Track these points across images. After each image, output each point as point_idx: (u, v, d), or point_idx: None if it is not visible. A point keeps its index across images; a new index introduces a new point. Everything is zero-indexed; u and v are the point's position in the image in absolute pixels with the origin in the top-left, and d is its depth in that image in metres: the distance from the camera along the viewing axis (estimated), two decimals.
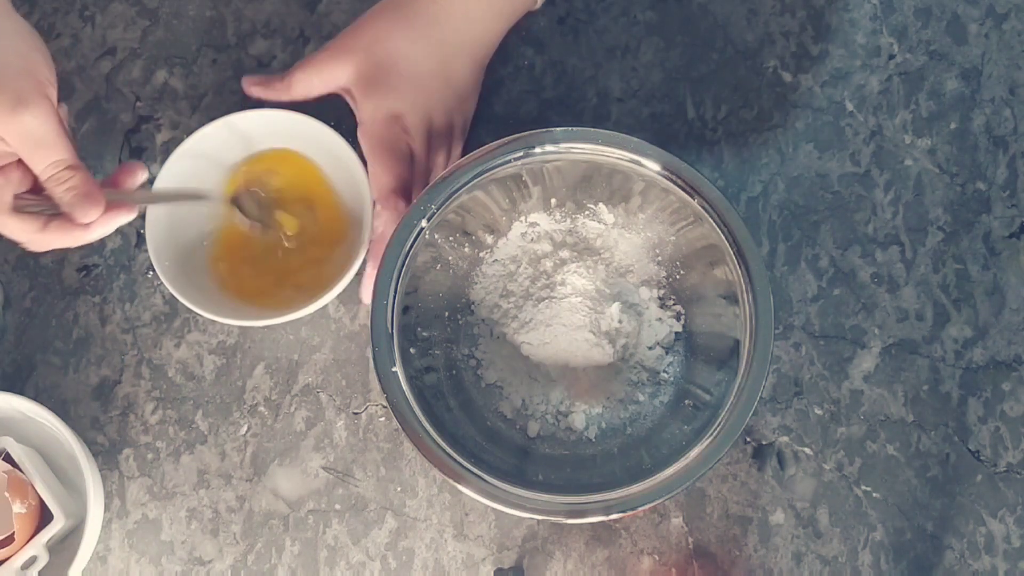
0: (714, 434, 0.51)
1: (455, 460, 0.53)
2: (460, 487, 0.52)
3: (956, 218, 0.63)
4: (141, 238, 0.65)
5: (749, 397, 0.51)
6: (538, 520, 0.59)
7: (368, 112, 0.58)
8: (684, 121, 0.65)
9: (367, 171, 0.58)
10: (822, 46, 0.66)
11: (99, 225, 0.51)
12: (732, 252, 0.53)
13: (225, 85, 0.67)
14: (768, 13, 0.66)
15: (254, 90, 0.62)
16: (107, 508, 0.61)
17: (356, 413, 0.62)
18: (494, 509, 0.59)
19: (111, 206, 0.51)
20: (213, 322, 0.63)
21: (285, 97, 0.61)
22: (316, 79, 0.60)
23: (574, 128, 0.56)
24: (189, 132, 0.66)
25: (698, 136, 0.65)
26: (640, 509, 0.52)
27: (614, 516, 0.53)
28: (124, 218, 0.52)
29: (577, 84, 0.66)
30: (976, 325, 0.61)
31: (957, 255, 0.62)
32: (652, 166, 0.55)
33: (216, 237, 0.62)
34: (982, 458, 0.60)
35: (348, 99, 0.60)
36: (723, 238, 0.54)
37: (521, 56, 0.66)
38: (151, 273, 0.64)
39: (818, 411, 0.60)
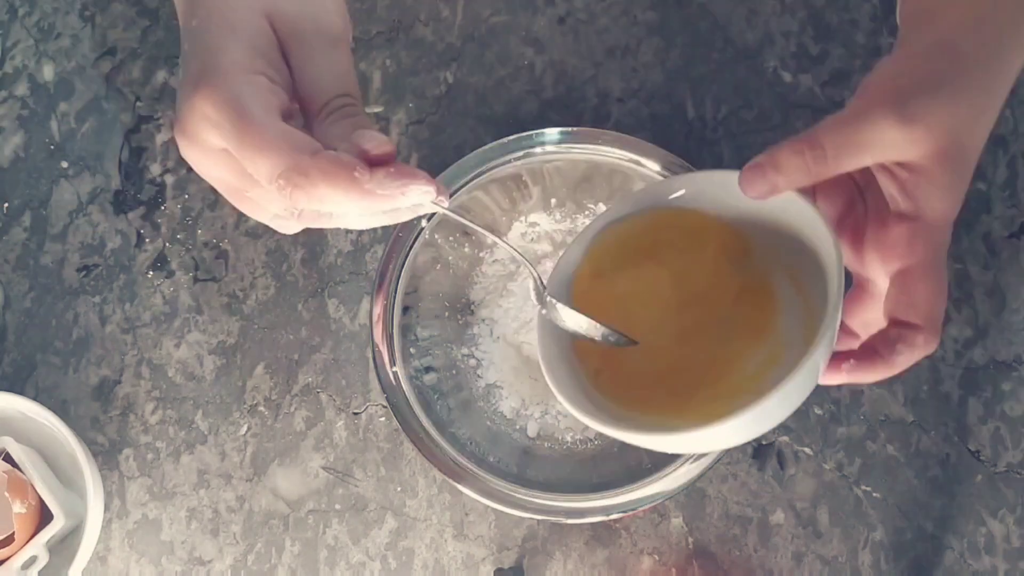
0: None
1: (455, 460, 0.53)
2: (460, 487, 0.53)
3: (956, 218, 0.63)
4: (141, 238, 0.65)
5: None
6: (538, 520, 0.59)
7: (940, 210, 0.41)
8: (684, 121, 0.65)
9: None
10: (822, 46, 0.66)
11: (392, 189, 0.37)
12: None
13: None
14: (768, 13, 0.66)
15: (758, 186, 0.41)
16: (107, 508, 0.61)
17: (356, 413, 0.62)
18: (494, 509, 0.59)
19: (402, 171, 0.38)
20: (213, 322, 0.63)
21: (815, 179, 0.41)
22: (867, 147, 0.40)
23: (574, 128, 0.56)
24: None
25: (698, 136, 0.65)
26: (640, 509, 0.52)
27: (614, 516, 0.53)
28: (423, 187, 0.38)
29: (577, 84, 0.66)
30: (976, 325, 0.61)
31: (957, 255, 0.62)
32: (652, 166, 0.55)
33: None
34: (982, 458, 0.60)
35: (887, 177, 0.41)
36: None
37: (521, 56, 0.66)
38: (151, 273, 0.64)
39: (818, 411, 0.60)
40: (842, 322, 0.46)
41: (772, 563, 0.59)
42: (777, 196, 0.42)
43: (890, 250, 0.41)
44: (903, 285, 0.41)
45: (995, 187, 0.63)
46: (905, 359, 0.41)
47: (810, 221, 0.42)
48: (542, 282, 0.46)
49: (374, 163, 0.37)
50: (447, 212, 0.41)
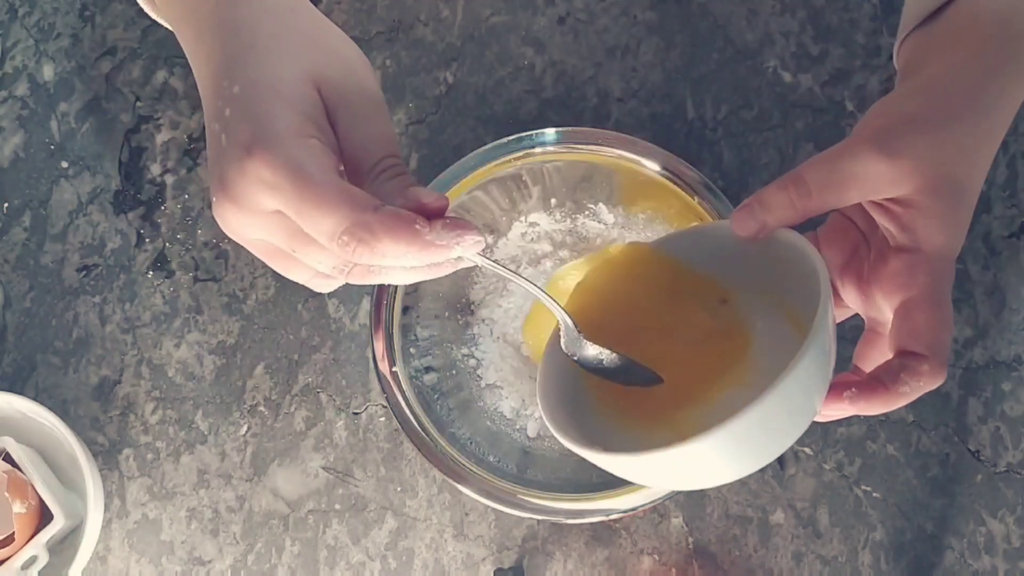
0: None
1: (455, 460, 0.53)
2: (460, 487, 0.53)
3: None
4: (141, 238, 0.65)
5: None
6: (538, 520, 0.59)
7: (940, 241, 0.41)
8: (684, 121, 0.65)
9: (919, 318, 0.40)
10: (822, 46, 0.66)
11: (449, 239, 0.39)
12: None
13: None
14: (768, 13, 0.66)
15: (749, 226, 0.42)
16: (107, 508, 0.61)
17: (356, 413, 0.62)
18: (494, 509, 0.59)
19: (456, 223, 0.39)
20: (213, 322, 0.63)
21: (802, 215, 0.41)
22: (850, 182, 0.40)
23: (574, 128, 0.56)
24: (189, 132, 0.66)
25: (698, 136, 0.65)
26: (640, 509, 0.52)
27: (614, 516, 0.53)
28: (475, 237, 0.39)
29: (577, 84, 0.66)
30: (976, 325, 0.61)
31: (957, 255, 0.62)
32: (652, 166, 0.55)
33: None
34: (982, 458, 0.60)
35: (882, 214, 0.42)
36: None
37: (521, 56, 0.66)
38: (151, 273, 0.64)
39: None
40: (855, 365, 0.46)
41: (772, 563, 0.59)
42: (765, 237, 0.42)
43: (890, 280, 0.41)
44: (906, 315, 0.41)
45: (995, 187, 0.63)
46: (910, 389, 0.40)
47: (794, 250, 0.42)
48: (576, 326, 0.46)
49: (430, 217, 0.39)
50: (487, 263, 0.42)
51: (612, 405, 0.47)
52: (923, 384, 0.40)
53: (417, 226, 0.38)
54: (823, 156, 0.40)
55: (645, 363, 0.46)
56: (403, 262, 0.39)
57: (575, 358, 0.47)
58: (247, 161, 0.37)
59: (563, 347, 0.47)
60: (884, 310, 0.43)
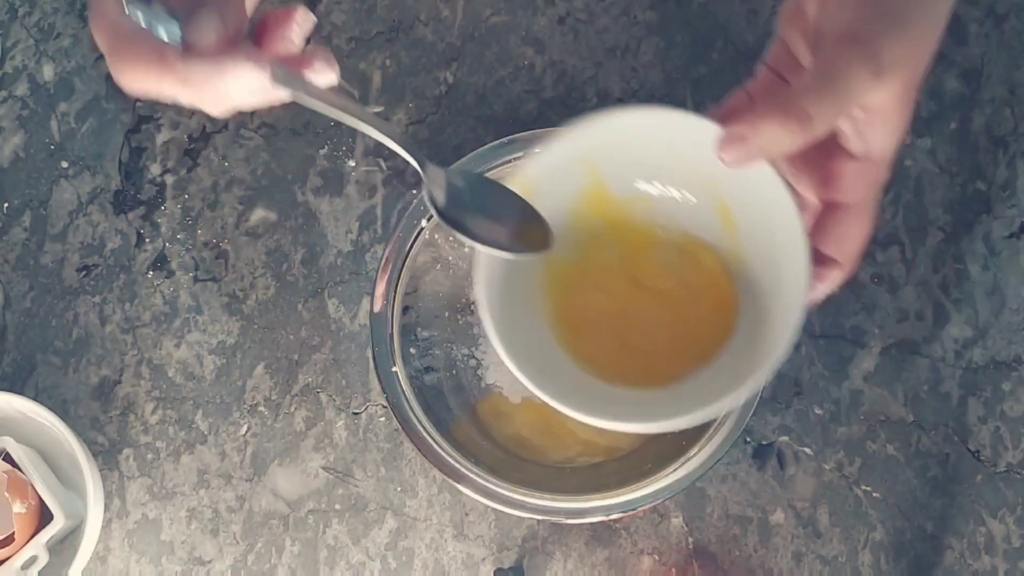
0: (714, 434, 0.52)
1: (455, 460, 0.53)
2: (460, 487, 0.53)
3: (956, 218, 0.63)
4: (141, 238, 0.65)
5: (749, 397, 0.51)
6: (538, 520, 0.59)
7: (890, 149, 0.41)
8: None
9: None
10: None
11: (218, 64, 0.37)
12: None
13: None
14: (768, 13, 0.66)
15: (739, 156, 0.40)
16: (107, 508, 0.61)
17: (356, 413, 0.62)
18: (494, 509, 0.59)
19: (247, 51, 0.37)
20: (213, 322, 0.63)
21: (800, 148, 0.39)
22: (848, 106, 0.39)
23: None
24: (189, 132, 0.66)
25: None
26: (640, 509, 0.52)
27: (614, 516, 0.53)
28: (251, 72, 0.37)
29: (577, 84, 0.66)
30: (976, 325, 0.61)
31: (957, 255, 0.62)
32: None
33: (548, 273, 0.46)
34: (982, 458, 0.60)
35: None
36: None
37: (521, 56, 0.66)
38: (151, 273, 0.64)
39: (818, 411, 0.60)
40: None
41: (772, 563, 0.59)
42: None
43: (832, 183, 0.41)
44: (836, 221, 0.41)
45: (995, 187, 0.63)
46: (818, 294, 0.42)
47: (768, 187, 0.41)
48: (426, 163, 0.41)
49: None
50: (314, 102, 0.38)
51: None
52: (830, 287, 0.42)
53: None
54: (818, 81, 0.38)
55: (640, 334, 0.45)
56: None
57: (449, 220, 0.41)
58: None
59: (427, 199, 0.41)
60: (807, 191, 0.43)
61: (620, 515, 0.53)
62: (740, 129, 0.39)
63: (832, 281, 0.42)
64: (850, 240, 0.42)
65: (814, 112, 0.38)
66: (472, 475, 0.53)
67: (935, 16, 0.40)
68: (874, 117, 0.39)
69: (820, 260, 0.41)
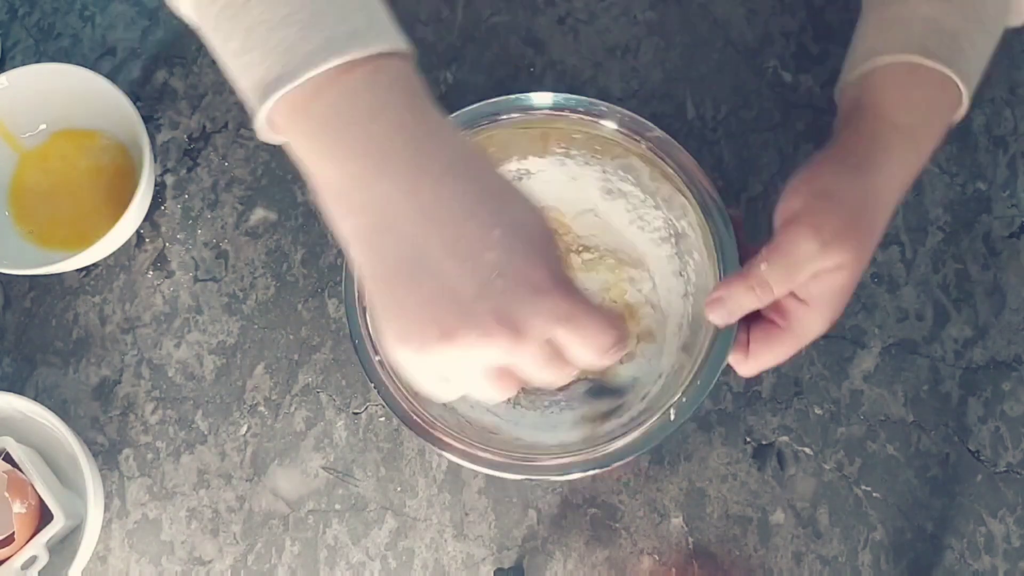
0: (689, 385, 0.51)
1: (437, 431, 0.53)
2: (445, 454, 0.52)
3: (956, 218, 0.63)
4: (141, 238, 0.65)
5: (721, 345, 0.51)
6: (531, 479, 0.59)
7: (815, 332, 0.50)
8: (684, 121, 0.65)
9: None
10: (822, 46, 0.66)
11: None
12: (698, 209, 0.54)
13: (225, 85, 0.67)
14: (768, 13, 0.66)
15: (722, 317, 0.49)
16: (107, 508, 0.61)
17: (356, 413, 0.62)
18: (494, 508, 0.59)
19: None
20: (213, 322, 0.63)
21: (763, 305, 0.49)
22: (800, 276, 0.48)
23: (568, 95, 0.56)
24: (189, 132, 0.66)
25: (698, 136, 0.65)
26: (615, 465, 0.51)
27: (591, 472, 0.52)
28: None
29: (577, 84, 0.66)
30: (976, 325, 0.61)
31: (957, 255, 0.62)
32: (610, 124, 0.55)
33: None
34: (982, 458, 0.60)
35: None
36: (693, 199, 0.54)
37: (521, 56, 0.66)
38: (151, 273, 0.64)
39: (818, 411, 0.60)
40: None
41: (772, 563, 0.59)
42: None
43: (762, 334, 0.50)
44: (758, 353, 0.50)
45: (995, 187, 0.63)
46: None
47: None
48: None
49: None
50: None
51: None
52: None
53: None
54: (777, 255, 0.47)
55: None
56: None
57: None
58: (542, 298, 0.38)
59: None
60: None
61: (598, 471, 0.52)
62: (718, 293, 0.49)
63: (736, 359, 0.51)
64: (768, 363, 0.50)
65: (773, 281, 0.47)
66: (456, 442, 0.52)
67: (879, 205, 0.48)
68: (801, 307, 0.48)
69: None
